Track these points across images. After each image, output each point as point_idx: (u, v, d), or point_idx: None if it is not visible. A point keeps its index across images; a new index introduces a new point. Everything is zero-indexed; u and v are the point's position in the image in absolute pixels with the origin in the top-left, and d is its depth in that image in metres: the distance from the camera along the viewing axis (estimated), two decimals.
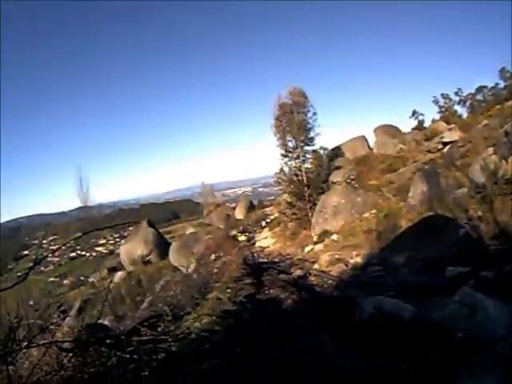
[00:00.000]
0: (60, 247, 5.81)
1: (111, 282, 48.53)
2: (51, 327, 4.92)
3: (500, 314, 5.74)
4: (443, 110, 59.59)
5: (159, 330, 7.67)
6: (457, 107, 60.55)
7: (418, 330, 6.32)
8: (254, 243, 36.81)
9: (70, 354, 4.62)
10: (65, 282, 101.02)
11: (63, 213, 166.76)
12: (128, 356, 4.94)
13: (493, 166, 18.05)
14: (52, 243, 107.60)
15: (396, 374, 5.20)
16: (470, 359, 4.90)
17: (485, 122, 33.99)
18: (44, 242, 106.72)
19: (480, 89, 59.43)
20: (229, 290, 12.29)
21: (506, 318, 5.62)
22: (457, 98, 60.83)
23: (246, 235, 39.00)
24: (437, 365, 5.06)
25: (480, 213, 15.11)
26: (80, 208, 35.49)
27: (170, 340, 6.06)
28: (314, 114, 35.25)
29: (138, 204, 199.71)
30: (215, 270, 18.76)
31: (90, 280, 68.01)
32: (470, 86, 63.98)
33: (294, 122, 34.29)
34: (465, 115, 55.97)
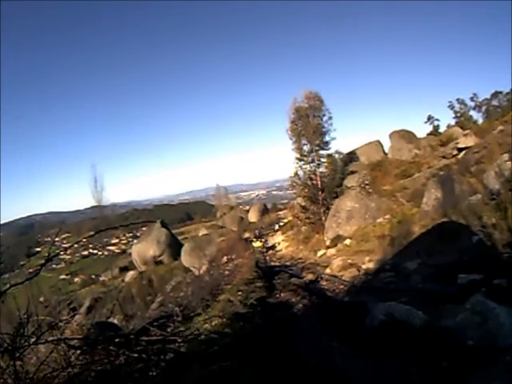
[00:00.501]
0: (72, 245, 5.83)
1: (122, 281, 48.93)
2: (60, 324, 4.94)
3: None
4: (458, 115, 59.44)
5: (169, 330, 7.71)
6: (472, 112, 60.39)
7: (429, 338, 6.28)
8: (268, 249, 36.61)
9: (78, 352, 4.63)
10: (76, 279, 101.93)
11: (77, 211, 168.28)
12: (136, 355, 4.95)
13: (508, 173, 17.91)
14: (65, 241, 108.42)
15: (405, 380, 5.19)
16: (480, 368, 4.87)
17: (500, 127, 33.71)
18: (57, 239, 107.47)
19: (495, 94, 59.15)
20: (240, 293, 12.30)
21: None
22: (472, 104, 60.65)
23: (261, 241, 38.37)
24: (447, 372, 5.03)
25: (494, 220, 14.95)
26: (94, 207, 35.54)
27: (179, 341, 6.06)
28: (330, 118, 35.33)
29: (151, 204, 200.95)
30: (227, 272, 18.78)
31: (101, 278, 68.51)
32: (486, 92, 63.63)
33: (309, 125, 34.28)
34: (480, 121, 55.76)
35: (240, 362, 5.61)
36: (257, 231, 30.14)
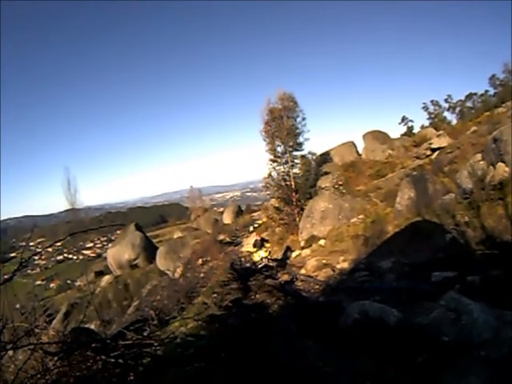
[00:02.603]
0: (44, 249, 5.70)
1: (98, 286, 48.43)
2: (37, 330, 4.83)
3: (486, 317, 5.69)
4: (432, 116, 60.19)
5: (145, 334, 7.64)
6: (446, 114, 61.16)
7: (404, 335, 6.25)
8: (274, 261, 35.47)
9: (56, 358, 4.52)
10: (51, 285, 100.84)
11: (52, 215, 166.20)
12: (113, 360, 4.86)
13: (480, 172, 18.10)
14: (40, 245, 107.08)
15: (381, 376, 5.14)
16: (456, 362, 4.85)
17: (474, 128, 34.20)
18: (31, 244, 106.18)
19: (470, 96, 60.10)
20: (215, 295, 12.23)
21: (491, 322, 5.57)
22: (446, 105, 61.45)
23: (265, 250, 33.07)
24: (423, 368, 5.00)
25: (467, 218, 15.10)
26: (68, 210, 34.97)
27: (155, 344, 6.00)
28: (304, 119, 35.18)
29: (126, 207, 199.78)
30: (202, 275, 18.66)
31: (77, 284, 67.96)
32: (460, 93, 64.60)
33: (283, 127, 34.17)
34: (454, 122, 56.48)
35: (215, 363, 5.55)
36: (257, 238, 24.83)
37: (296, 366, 6.02)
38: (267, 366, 5.73)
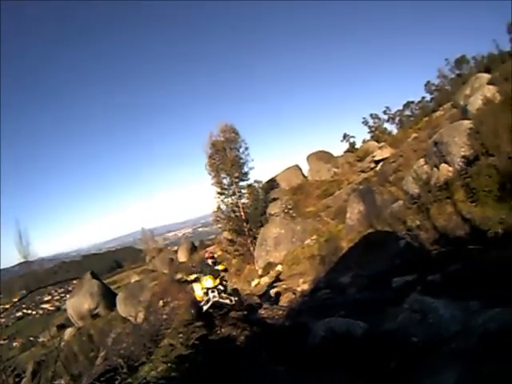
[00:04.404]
0: (9, 308, 5.43)
1: (61, 340, 46.98)
2: None
3: (452, 312, 5.71)
4: (373, 129, 61.62)
5: (116, 383, 7.48)
6: (386, 125, 62.82)
7: (373, 344, 6.15)
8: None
9: None
10: (14, 344, 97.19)
11: (4, 269, 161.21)
12: None
13: (425, 176, 18.44)
14: None
15: None
16: (429, 360, 4.76)
17: (414, 135, 35.21)
18: None
19: (407, 104, 62.11)
20: (180, 335, 12.00)
21: (458, 315, 5.58)
22: (386, 117, 63.12)
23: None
24: (396, 372, 4.90)
25: (418, 222, 15.32)
26: (21, 263, 33.88)
27: None
28: (246, 148, 35.70)
29: (79, 255, 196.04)
30: (164, 317, 18.24)
31: (40, 340, 65.98)
32: (398, 103, 66.63)
33: (226, 158, 34.45)
34: (395, 132, 58.01)
35: None
36: (206, 257, 21.58)
37: None
38: None
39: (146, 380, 7.40)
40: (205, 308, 12.83)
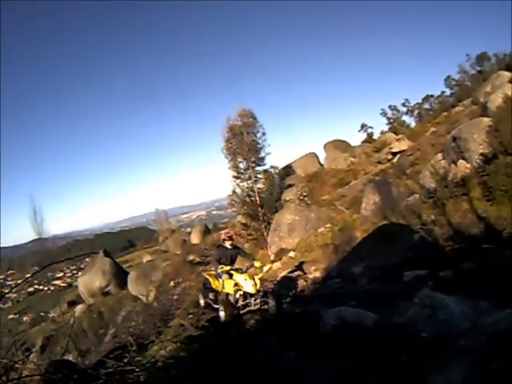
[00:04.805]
0: (21, 283, 5.57)
1: (72, 316, 47.54)
2: (17, 366, 4.70)
3: (462, 309, 5.74)
4: (391, 121, 61.27)
5: (125, 360, 7.52)
6: (405, 117, 62.52)
7: (383, 336, 6.23)
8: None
9: None
10: (25, 318, 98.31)
11: (18, 246, 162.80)
12: None
13: (442, 171, 18.37)
14: (9, 278, 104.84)
15: (366, 377, 5.11)
16: (437, 356, 4.84)
17: (432, 129, 34.95)
18: (1, 277, 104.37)
19: (427, 98, 61.73)
20: (190, 316, 12.10)
21: (468, 312, 5.62)
22: (404, 109, 62.80)
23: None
24: (406, 365, 4.98)
25: (433, 217, 15.28)
26: (35, 240, 34.04)
27: (137, 370, 5.88)
28: (264, 133, 35.57)
29: (92, 234, 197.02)
30: (175, 297, 18.42)
31: (51, 315, 66.60)
32: (417, 97, 66.24)
33: (244, 143, 34.38)
34: (413, 125, 57.74)
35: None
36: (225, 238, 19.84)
37: (280, 377, 5.97)
38: (251, 380, 5.67)
39: (155, 359, 7.37)
40: (241, 312, 10.75)
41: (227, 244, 11.63)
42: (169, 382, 5.91)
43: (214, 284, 12.00)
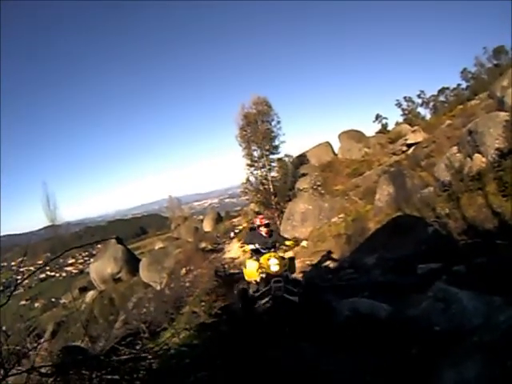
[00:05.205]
0: (42, 267, 5.69)
1: (83, 302, 47.96)
2: (30, 353, 4.81)
3: (475, 304, 5.73)
4: (406, 112, 61.00)
5: (137, 347, 7.60)
6: (420, 109, 62.12)
7: (396, 328, 6.30)
8: None
9: (51, 379, 4.48)
10: (36, 304, 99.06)
11: (30, 233, 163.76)
12: (109, 377, 4.82)
13: (458, 164, 18.32)
14: (21, 265, 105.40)
15: (379, 369, 5.19)
16: (450, 350, 4.90)
17: (448, 122, 34.70)
18: (13, 263, 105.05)
19: (442, 90, 61.30)
20: (203, 303, 12.15)
21: (481, 308, 5.61)
22: (419, 101, 62.50)
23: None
24: (418, 358, 5.05)
25: (447, 210, 15.22)
26: (47, 227, 34.14)
27: (149, 357, 5.96)
28: (278, 122, 35.71)
29: (105, 221, 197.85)
30: (187, 284, 18.52)
31: (62, 301, 67.21)
32: (433, 89, 65.75)
33: (258, 131, 34.48)
34: (428, 117, 57.39)
35: (214, 372, 5.57)
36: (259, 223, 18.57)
37: (293, 367, 6.02)
38: (265, 369, 5.73)
39: (168, 346, 7.45)
40: (260, 303, 8.61)
41: (262, 231, 9.70)
42: (182, 370, 5.96)
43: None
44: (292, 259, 10.02)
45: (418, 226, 15.81)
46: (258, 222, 9.94)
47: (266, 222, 9.91)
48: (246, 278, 9.51)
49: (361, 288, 11.44)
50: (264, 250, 9.28)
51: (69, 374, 4.66)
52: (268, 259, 8.73)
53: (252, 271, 9.12)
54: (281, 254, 9.35)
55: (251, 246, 9.51)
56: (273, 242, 9.65)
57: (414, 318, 6.37)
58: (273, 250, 9.32)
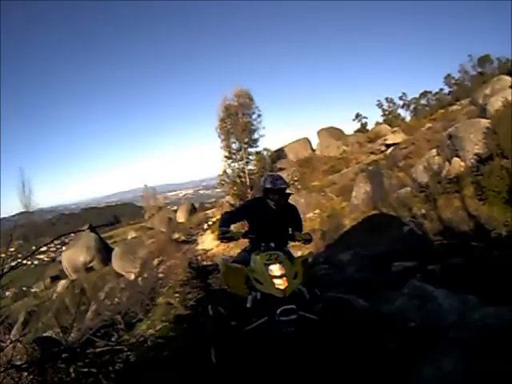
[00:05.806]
0: (32, 254, 5.58)
1: (54, 291, 47.40)
2: (3, 345, 4.77)
3: (450, 302, 5.83)
4: (387, 113, 61.43)
5: (113, 339, 7.54)
6: (400, 111, 62.72)
7: (372, 323, 6.34)
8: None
9: (26, 374, 4.43)
10: (7, 293, 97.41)
11: (3, 219, 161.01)
12: (86, 370, 4.78)
13: (436, 167, 18.58)
14: None
15: (354, 363, 5.21)
16: (426, 346, 4.98)
17: (428, 125, 35.02)
18: None
19: (424, 93, 61.96)
20: (177, 295, 12.13)
21: (456, 306, 5.71)
22: (401, 102, 62.99)
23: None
24: (394, 354, 5.10)
25: (424, 211, 15.46)
26: (21, 213, 33.62)
27: (125, 349, 5.91)
28: (259, 115, 35.80)
29: (78, 208, 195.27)
30: (161, 275, 18.46)
31: (33, 290, 66.31)
32: (415, 92, 66.51)
33: (238, 123, 34.53)
34: (408, 119, 58.01)
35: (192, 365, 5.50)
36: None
37: (260, 363, 5.99)
38: (249, 363, 5.62)
39: (144, 338, 7.44)
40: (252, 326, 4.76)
41: (271, 203, 5.71)
42: (161, 362, 5.90)
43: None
44: (305, 261, 5.86)
45: (394, 225, 16.00)
46: (269, 180, 5.72)
47: (284, 185, 5.66)
48: (229, 288, 5.69)
49: (336, 283, 11.51)
50: (267, 238, 5.39)
51: (45, 368, 4.62)
52: (266, 263, 4.84)
53: (236, 279, 5.26)
54: (293, 252, 6.04)
55: (238, 234, 5.62)
56: (286, 226, 6.04)
57: (390, 315, 6.41)
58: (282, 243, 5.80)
